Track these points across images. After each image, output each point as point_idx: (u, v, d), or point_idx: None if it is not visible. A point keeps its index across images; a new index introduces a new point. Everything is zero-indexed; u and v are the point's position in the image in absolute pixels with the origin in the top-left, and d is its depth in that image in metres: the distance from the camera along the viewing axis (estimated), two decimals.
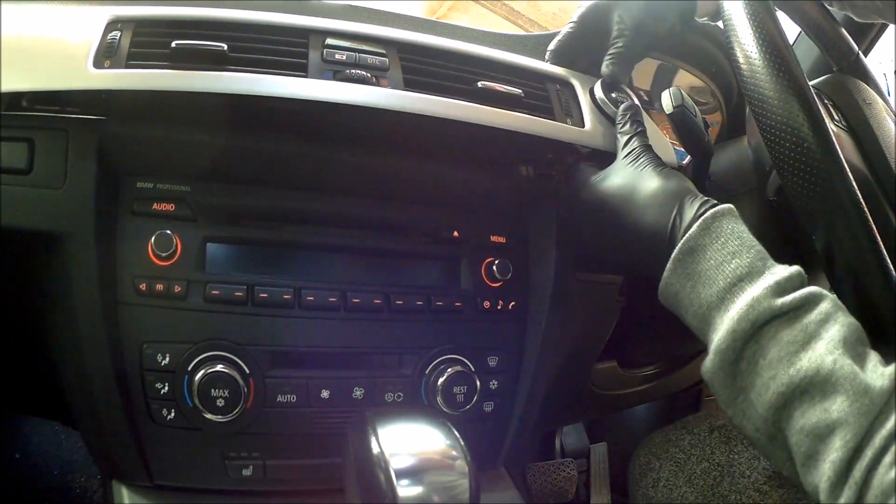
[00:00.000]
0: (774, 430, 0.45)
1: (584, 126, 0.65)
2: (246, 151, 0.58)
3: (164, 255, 0.56)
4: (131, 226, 0.56)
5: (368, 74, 0.57)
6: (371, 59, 0.58)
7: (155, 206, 0.57)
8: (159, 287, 0.56)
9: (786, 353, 0.44)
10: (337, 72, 0.57)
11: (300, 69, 0.56)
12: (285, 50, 0.56)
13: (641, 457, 0.93)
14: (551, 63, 0.71)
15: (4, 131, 0.51)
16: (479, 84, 0.60)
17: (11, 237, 0.52)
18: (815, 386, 0.42)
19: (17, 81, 0.49)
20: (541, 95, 0.65)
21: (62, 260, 0.53)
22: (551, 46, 0.72)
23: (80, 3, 0.57)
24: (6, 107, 0.52)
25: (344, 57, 0.58)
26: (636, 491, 0.92)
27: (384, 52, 0.60)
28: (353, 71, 0.57)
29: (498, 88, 0.60)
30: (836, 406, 0.41)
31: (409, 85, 0.58)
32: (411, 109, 0.56)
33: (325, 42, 0.58)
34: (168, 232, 0.56)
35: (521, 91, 0.61)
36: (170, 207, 0.57)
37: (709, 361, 0.47)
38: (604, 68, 0.67)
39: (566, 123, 0.64)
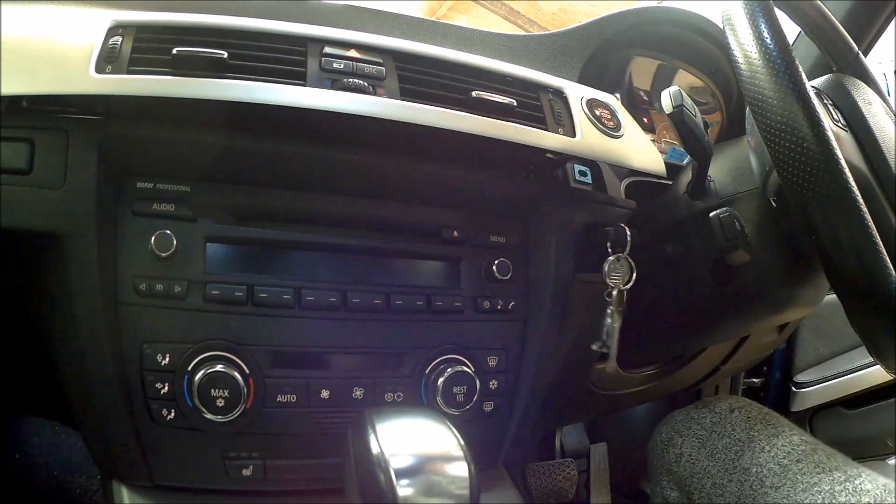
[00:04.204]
0: None
1: (574, 136, 0.65)
2: (246, 152, 0.58)
3: (164, 255, 0.56)
4: (131, 226, 0.56)
5: (365, 83, 0.57)
6: (368, 68, 0.59)
7: (155, 206, 0.57)
8: (159, 287, 0.56)
9: None
10: (335, 80, 0.57)
11: (299, 77, 0.56)
12: (284, 58, 0.56)
13: (664, 433, 0.97)
14: None
15: (4, 131, 0.51)
16: (474, 94, 0.60)
17: (12, 237, 0.52)
18: None
19: (18, 85, 0.49)
20: (534, 105, 0.65)
21: (62, 260, 0.53)
22: None
23: (82, 4, 0.57)
24: (6, 107, 0.52)
25: (342, 66, 0.58)
26: (658, 466, 0.96)
27: (381, 61, 0.60)
28: (351, 80, 0.57)
29: (491, 98, 0.60)
30: None
31: (406, 94, 0.59)
32: (406, 119, 0.57)
33: (324, 51, 0.58)
34: (168, 232, 0.56)
35: (514, 101, 0.62)
36: (170, 207, 0.57)
37: None
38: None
39: (558, 133, 0.64)
